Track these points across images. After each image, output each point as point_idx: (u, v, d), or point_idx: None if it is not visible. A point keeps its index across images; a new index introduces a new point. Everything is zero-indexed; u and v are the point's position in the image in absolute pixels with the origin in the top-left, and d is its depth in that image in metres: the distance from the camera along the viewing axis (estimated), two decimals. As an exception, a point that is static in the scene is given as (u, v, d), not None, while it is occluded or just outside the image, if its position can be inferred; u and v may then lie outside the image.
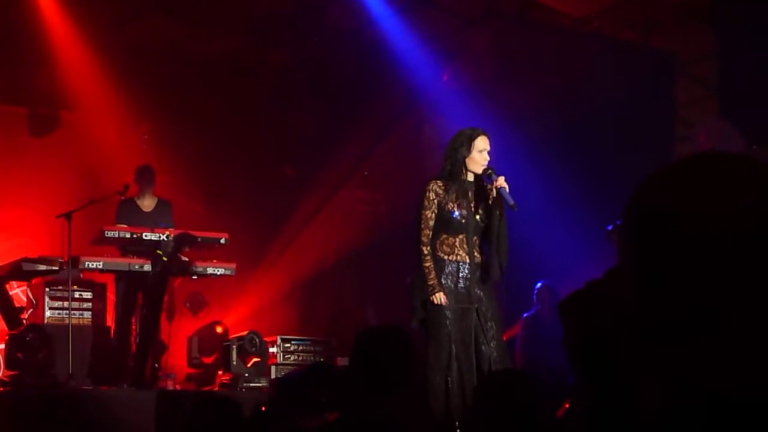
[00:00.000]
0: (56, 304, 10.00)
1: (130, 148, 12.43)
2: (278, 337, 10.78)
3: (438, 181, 7.16)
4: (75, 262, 9.50)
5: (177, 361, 11.31)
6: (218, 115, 13.02)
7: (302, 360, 10.69)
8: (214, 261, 10.15)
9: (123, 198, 10.15)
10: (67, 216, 9.45)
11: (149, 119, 12.81)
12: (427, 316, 7.01)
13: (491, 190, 7.15)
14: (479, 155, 7.12)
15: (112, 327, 10.10)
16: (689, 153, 1.50)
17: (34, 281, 10.10)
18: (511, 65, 12.13)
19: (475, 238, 7.15)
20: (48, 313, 9.96)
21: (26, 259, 9.74)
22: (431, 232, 7.11)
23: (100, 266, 9.59)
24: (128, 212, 10.16)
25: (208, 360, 11.05)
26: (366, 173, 13.82)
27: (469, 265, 7.09)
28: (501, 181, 7.01)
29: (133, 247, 9.70)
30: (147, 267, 9.59)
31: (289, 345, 10.81)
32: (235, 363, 9.99)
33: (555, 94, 11.41)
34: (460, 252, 7.10)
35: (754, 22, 10.43)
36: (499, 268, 7.12)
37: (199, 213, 12.61)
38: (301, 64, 13.14)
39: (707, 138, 9.97)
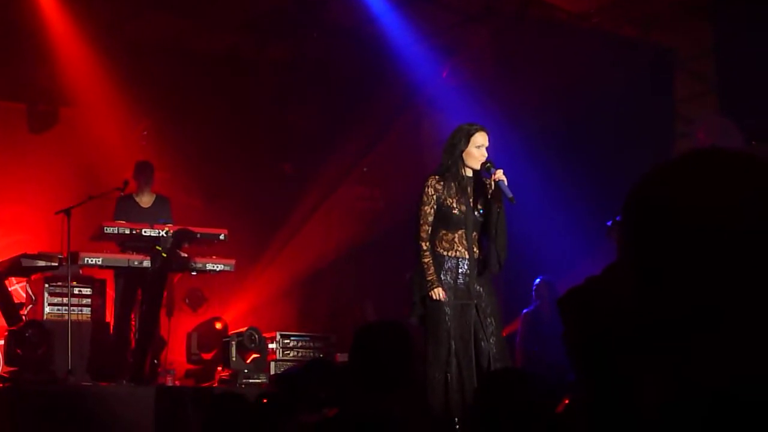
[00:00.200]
0: (55, 300, 10.00)
1: (129, 144, 12.43)
2: (277, 333, 10.79)
3: (437, 177, 7.17)
4: (74, 258, 9.50)
5: (176, 357, 11.31)
6: (217, 112, 13.01)
7: (301, 356, 10.70)
8: (214, 257, 10.15)
9: (122, 194, 10.15)
10: (67, 212, 9.45)
11: (148, 116, 12.80)
12: (426, 312, 7.01)
13: (490, 183, 7.15)
14: (476, 150, 7.11)
15: (112, 323, 10.10)
16: (688, 149, 1.50)
17: (33, 277, 10.10)
18: (510, 61, 12.13)
19: (474, 233, 7.16)
20: (47, 309, 9.96)
21: (25, 255, 9.73)
22: (430, 228, 7.11)
23: (100, 262, 9.60)
24: (126, 209, 10.16)
25: (207, 356, 11.05)
26: (365, 170, 13.82)
27: (469, 260, 7.09)
28: (499, 174, 7.01)
29: (133, 243, 9.70)
30: (146, 263, 9.59)
31: (288, 341, 10.82)
32: (234, 359, 10.00)
33: (554, 90, 11.41)
34: (460, 248, 7.10)
35: (753, 17, 10.43)
36: (497, 262, 7.12)
37: (199, 209, 12.60)
38: (300, 61, 13.14)
39: (706, 134, 9.95)
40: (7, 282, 9.99)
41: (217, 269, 10.11)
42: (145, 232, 9.64)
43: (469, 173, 7.21)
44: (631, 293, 1.44)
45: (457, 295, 7.00)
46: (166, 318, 10.78)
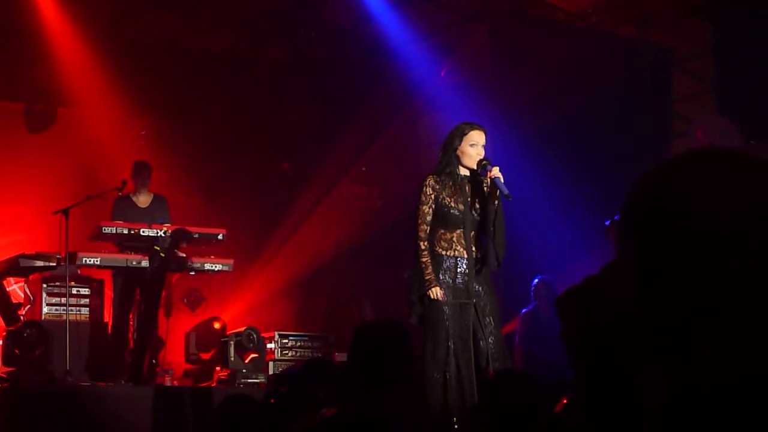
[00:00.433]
0: (54, 300, 9.99)
1: (127, 144, 12.42)
2: (276, 333, 10.78)
3: (434, 177, 7.16)
4: (72, 258, 9.50)
5: (174, 356, 11.30)
6: (216, 112, 13.01)
7: (300, 356, 10.69)
8: (212, 257, 10.15)
9: (120, 194, 10.15)
10: (65, 212, 9.45)
11: (147, 116, 12.80)
12: (425, 312, 7.00)
13: (486, 182, 7.15)
14: (471, 149, 7.10)
15: (110, 323, 10.09)
16: (687, 148, 1.50)
17: (31, 277, 10.10)
18: (508, 60, 12.13)
19: (472, 232, 7.15)
20: (45, 310, 9.96)
21: (23, 256, 9.73)
22: (429, 228, 7.11)
23: (98, 262, 9.60)
24: (124, 209, 10.15)
25: (205, 356, 11.05)
26: (363, 169, 13.82)
27: (467, 260, 7.08)
28: (495, 171, 7.00)
29: (131, 242, 9.70)
30: (144, 263, 9.59)
31: (286, 341, 10.81)
32: (232, 359, 9.99)
33: (552, 90, 11.41)
34: (458, 247, 7.10)
35: (752, 17, 10.44)
36: (496, 260, 7.11)
37: (197, 209, 12.60)
38: (298, 61, 13.13)
39: (705, 133, 9.97)
40: (5, 282, 9.99)
41: (216, 269, 10.12)
42: (143, 232, 9.64)
43: (466, 172, 7.20)
44: (630, 293, 1.44)
45: (455, 295, 7.00)
46: (164, 318, 10.78)
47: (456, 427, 6.74)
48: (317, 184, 13.49)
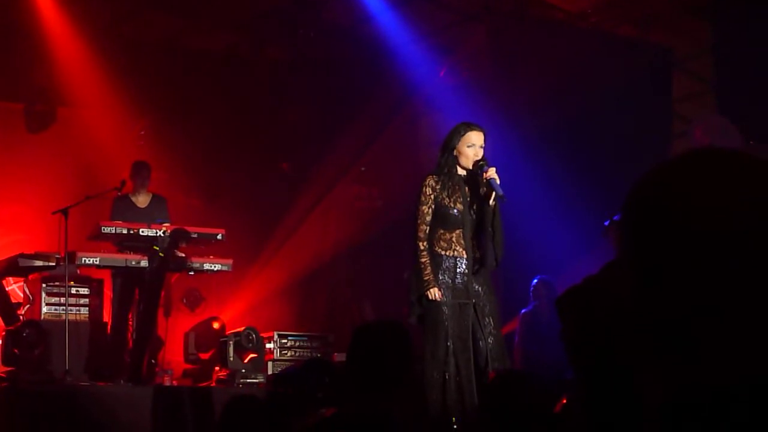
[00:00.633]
0: (53, 300, 10.00)
1: (126, 144, 12.42)
2: (275, 333, 10.78)
3: (434, 177, 7.16)
4: (72, 257, 9.51)
5: (174, 356, 11.30)
6: (215, 112, 13.01)
7: (299, 356, 10.69)
8: (211, 257, 10.16)
9: (119, 194, 10.15)
10: (64, 212, 9.45)
11: (146, 116, 12.80)
12: (424, 312, 7.00)
13: (483, 182, 7.14)
14: (468, 149, 7.09)
15: (109, 323, 10.09)
16: (686, 149, 1.50)
17: (30, 277, 10.10)
18: (508, 60, 12.12)
19: (472, 233, 7.15)
20: (45, 309, 9.96)
21: (23, 255, 9.73)
22: (428, 228, 7.10)
23: (97, 262, 9.60)
24: (123, 209, 10.15)
25: (204, 356, 11.04)
26: (363, 169, 13.82)
27: (467, 260, 7.08)
28: (491, 173, 7.00)
29: (130, 242, 9.70)
30: (144, 263, 9.59)
31: (286, 341, 10.81)
32: (231, 359, 9.99)
33: (552, 90, 11.40)
34: (458, 247, 7.10)
35: (752, 17, 10.44)
36: (494, 259, 7.11)
37: (196, 209, 12.60)
38: (298, 61, 13.13)
39: (704, 133, 9.96)
40: (4, 282, 9.99)
41: (215, 269, 10.12)
42: (142, 231, 9.64)
43: (464, 172, 7.20)
44: (630, 293, 1.44)
45: (455, 295, 7.00)
46: (163, 318, 10.78)
47: (455, 427, 6.74)
48: (317, 184, 13.49)
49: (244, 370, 9.91)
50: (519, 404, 3.99)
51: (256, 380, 9.86)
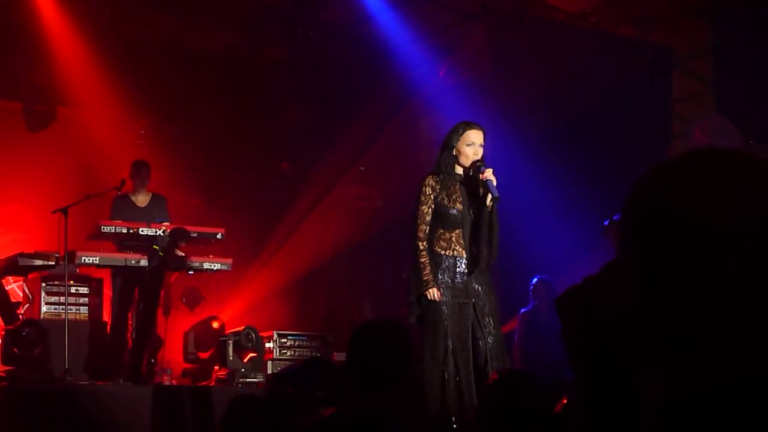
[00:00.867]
0: (52, 299, 10.00)
1: (126, 143, 12.42)
2: (274, 333, 10.78)
3: (434, 177, 7.16)
4: (71, 257, 9.50)
5: (173, 356, 11.30)
6: (215, 111, 13.00)
7: (298, 355, 10.69)
8: (211, 256, 10.15)
9: (118, 193, 10.15)
10: (64, 211, 9.45)
11: (146, 115, 12.79)
12: (424, 312, 7.00)
13: (481, 182, 7.14)
14: (468, 148, 7.09)
15: (109, 322, 10.09)
16: (686, 149, 1.50)
17: (30, 276, 10.10)
18: (507, 61, 12.12)
19: (471, 232, 7.15)
20: (44, 309, 9.96)
21: (22, 255, 9.73)
22: (428, 228, 7.10)
23: (97, 261, 9.60)
24: (123, 208, 10.15)
25: (204, 355, 11.04)
26: (362, 168, 13.82)
27: (466, 259, 7.08)
28: (488, 174, 6.99)
29: (130, 242, 9.70)
30: (143, 262, 9.59)
31: (285, 340, 10.81)
32: (231, 358, 9.99)
33: (552, 90, 11.41)
34: (457, 247, 7.09)
35: (752, 17, 10.44)
36: (486, 261, 7.10)
37: (196, 208, 12.60)
38: (298, 60, 13.13)
39: (704, 133, 9.98)
40: (4, 281, 9.99)
41: (214, 268, 10.12)
42: (142, 231, 9.64)
43: (463, 172, 7.20)
44: (630, 293, 1.44)
45: (454, 294, 6.99)
46: (163, 317, 10.77)
47: (454, 426, 6.74)
48: (317, 184, 13.49)
49: (243, 370, 9.91)
50: (519, 404, 3.99)
51: (256, 380, 9.85)
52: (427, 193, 7.12)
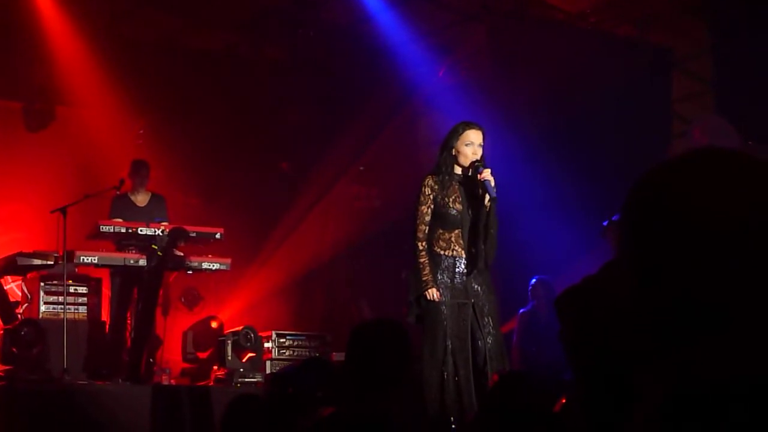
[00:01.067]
0: (51, 298, 10.00)
1: (125, 143, 12.41)
2: (273, 332, 10.78)
3: (433, 177, 7.16)
4: (70, 256, 9.50)
5: (172, 355, 11.30)
6: (215, 111, 12.99)
7: (297, 355, 10.69)
8: (210, 256, 10.15)
9: (117, 193, 10.14)
10: (63, 210, 9.44)
11: (145, 114, 12.79)
12: (423, 312, 7.00)
13: (479, 182, 7.14)
14: (467, 148, 7.08)
15: (107, 322, 10.09)
16: (686, 149, 1.50)
17: (29, 276, 10.09)
18: (507, 60, 12.12)
19: (470, 233, 7.15)
20: (43, 308, 9.96)
21: (21, 254, 9.73)
22: (427, 228, 7.10)
23: (95, 261, 9.59)
24: (122, 207, 10.15)
25: (203, 355, 11.04)
26: (361, 168, 13.82)
27: (466, 260, 7.08)
28: (486, 174, 6.99)
29: (129, 241, 9.69)
30: (142, 262, 9.58)
31: (284, 340, 10.81)
32: (230, 358, 9.99)
33: (551, 90, 11.40)
34: (456, 247, 7.09)
35: (751, 17, 10.44)
36: (484, 262, 7.09)
37: (195, 208, 12.60)
38: (297, 59, 13.13)
39: (703, 133, 9.98)
40: (2, 280, 9.98)
41: (213, 268, 10.12)
42: (141, 230, 9.63)
43: (462, 172, 7.19)
44: (629, 293, 1.43)
45: (453, 294, 6.99)
46: (161, 317, 10.77)
47: (453, 426, 6.74)
48: (316, 184, 13.49)
49: (242, 370, 9.91)
50: (517, 404, 3.99)
51: (255, 379, 9.85)
52: (427, 193, 7.11)
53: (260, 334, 10.31)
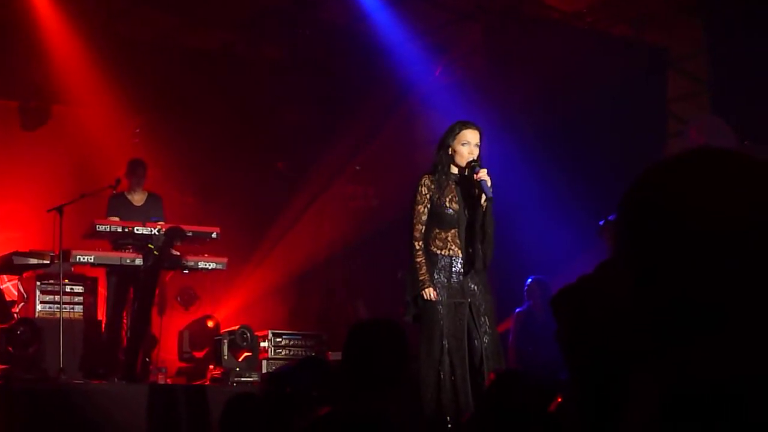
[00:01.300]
0: (47, 298, 9.98)
1: (122, 142, 12.40)
2: (269, 332, 10.76)
3: (430, 176, 7.16)
4: (66, 255, 9.48)
5: (168, 355, 11.29)
6: (211, 110, 12.98)
7: (293, 354, 10.67)
8: (206, 255, 10.14)
9: (114, 192, 10.14)
10: (59, 210, 9.43)
11: (141, 113, 12.78)
12: (419, 311, 7.00)
13: (476, 182, 7.14)
14: (463, 148, 7.09)
15: (103, 321, 10.08)
16: (682, 148, 1.51)
17: (25, 275, 10.08)
18: (503, 60, 12.12)
19: (467, 232, 7.15)
20: (39, 307, 9.94)
21: (17, 253, 9.72)
22: (424, 227, 7.10)
23: (92, 260, 9.58)
24: (119, 206, 10.14)
25: (199, 354, 11.04)
26: (358, 168, 13.81)
27: (462, 259, 7.08)
28: (482, 174, 6.99)
29: (125, 241, 9.68)
30: (138, 261, 9.57)
31: (280, 339, 10.80)
32: (226, 357, 9.98)
33: (547, 89, 11.40)
34: (453, 246, 7.09)
35: (747, 17, 10.45)
36: (482, 262, 7.10)
37: (192, 207, 12.59)
38: (293, 59, 13.12)
39: (699, 133, 9.97)
40: (-2, 280, 9.99)
41: (209, 267, 10.11)
42: (137, 230, 9.63)
43: (459, 171, 7.20)
44: (625, 293, 1.44)
45: (450, 294, 6.99)
46: (157, 316, 10.77)
47: (450, 426, 6.74)
48: (312, 183, 13.48)
49: (238, 369, 9.90)
50: (513, 403, 3.99)
51: (251, 379, 9.84)
52: (423, 192, 7.11)
53: (256, 333, 10.29)
